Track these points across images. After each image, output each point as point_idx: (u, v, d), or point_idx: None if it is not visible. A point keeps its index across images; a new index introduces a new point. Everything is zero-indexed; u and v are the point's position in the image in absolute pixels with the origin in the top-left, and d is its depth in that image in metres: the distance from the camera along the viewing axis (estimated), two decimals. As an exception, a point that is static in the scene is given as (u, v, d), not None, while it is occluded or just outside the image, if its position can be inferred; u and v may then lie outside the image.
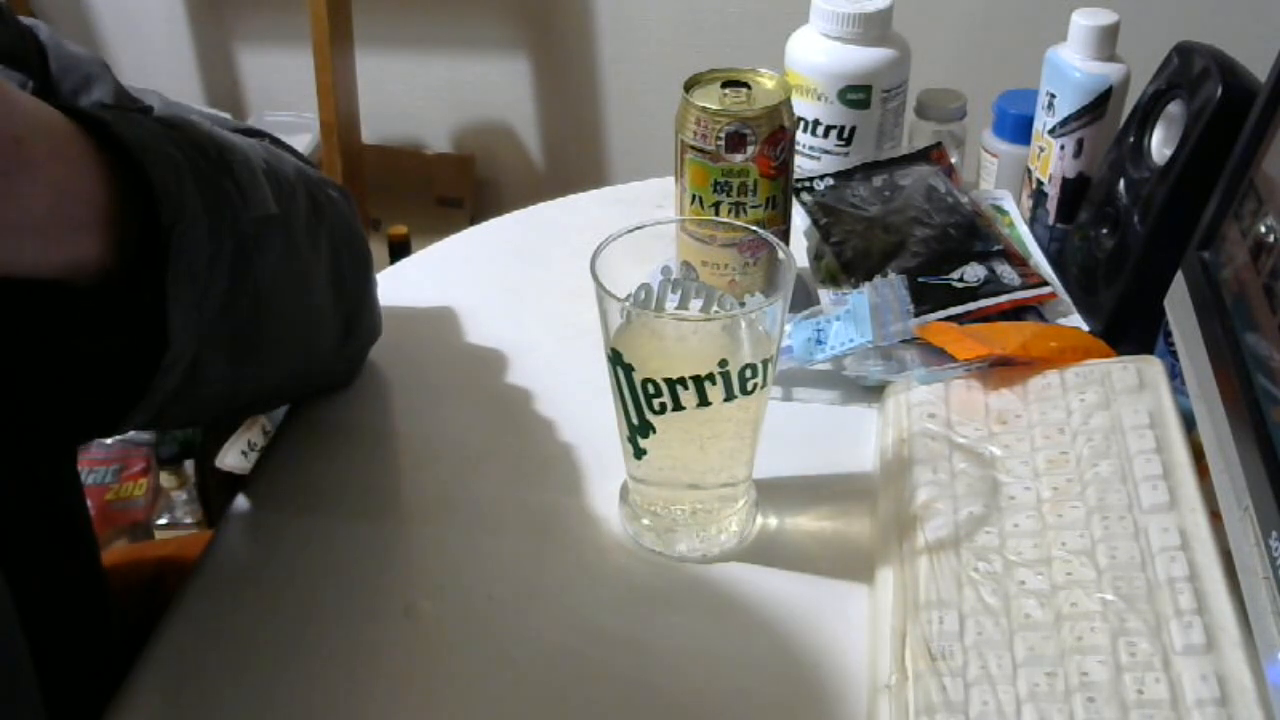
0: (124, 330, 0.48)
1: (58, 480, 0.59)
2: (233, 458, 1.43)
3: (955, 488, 0.60)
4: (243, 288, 0.52)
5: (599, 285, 0.54)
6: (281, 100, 2.02)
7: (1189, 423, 0.60)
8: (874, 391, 0.70)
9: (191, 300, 0.49)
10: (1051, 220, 0.81)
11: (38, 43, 0.57)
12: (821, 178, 0.81)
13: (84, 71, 0.58)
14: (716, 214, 0.70)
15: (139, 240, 0.47)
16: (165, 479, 1.50)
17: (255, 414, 0.70)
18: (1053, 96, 0.78)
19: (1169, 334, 0.66)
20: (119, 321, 0.48)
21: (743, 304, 0.58)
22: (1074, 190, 0.79)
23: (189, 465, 1.51)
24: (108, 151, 0.45)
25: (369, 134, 1.86)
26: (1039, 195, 0.81)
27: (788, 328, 0.69)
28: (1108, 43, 0.75)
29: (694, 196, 0.70)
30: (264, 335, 0.56)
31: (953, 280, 0.74)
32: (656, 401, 0.55)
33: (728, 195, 0.69)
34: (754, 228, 0.60)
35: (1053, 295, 0.75)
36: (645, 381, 0.54)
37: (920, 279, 0.73)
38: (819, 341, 0.70)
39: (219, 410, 0.62)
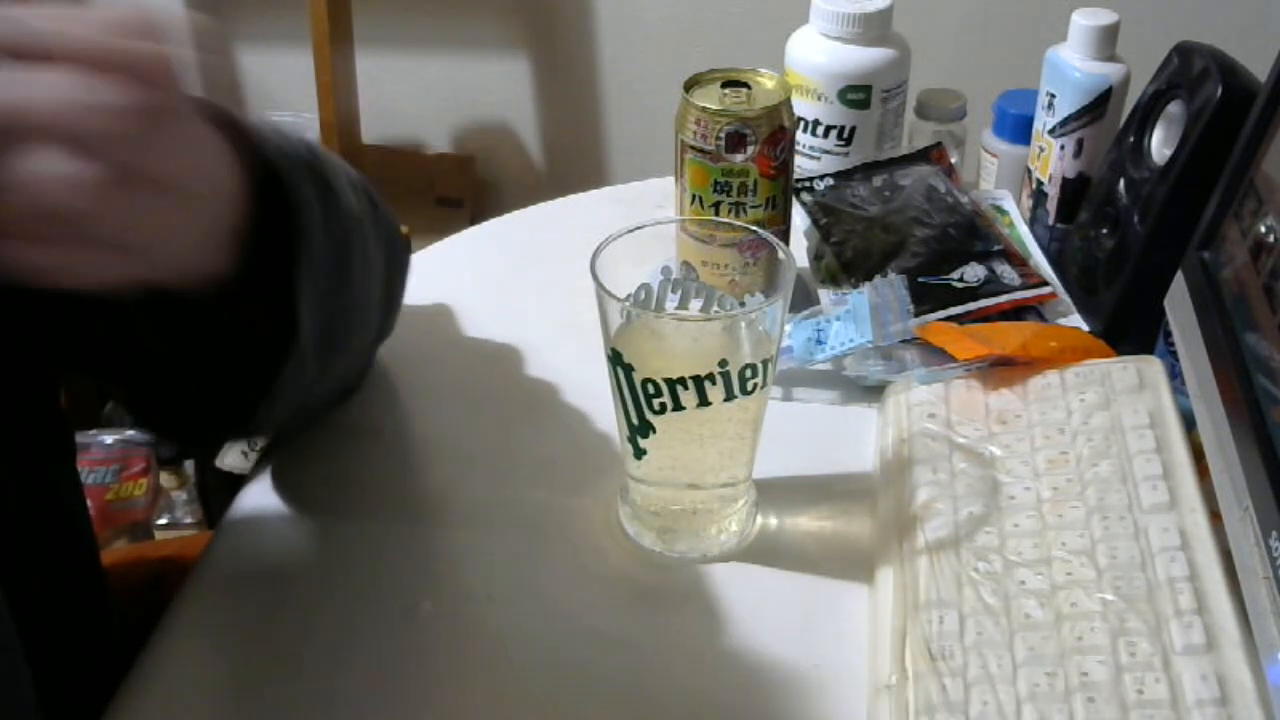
0: (254, 327, 0.50)
1: (58, 480, 0.59)
2: (233, 458, 1.43)
3: (955, 488, 0.60)
4: (340, 285, 0.54)
5: (599, 285, 0.54)
6: (281, 100, 2.01)
7: (1189, 423, 0.60)
8: (874, 391, 0.70)
9: (313, 294, 0.50)
10: (1051, 220, 0.81)
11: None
12: (821, 178, 0.81)
13: None
14: (716, 214, 0.70)
15: (263, 236, 0.48)
16: (165, 479, 1.50)
17: (298, 426, 0.70)
18: (1053, 96, 0.78)
19: (1169, 334, 0.66)
20: (247, 319, 0.50)
21: (743, 304, 0.58)
22: (1074, 190, 0.79)
23: (189, 465, 1.51)
24: (242, 155, 0.46)
25: (369, 134, 1.86)
26: (1039, 195, 0.81)
27: (788, 328, 0.69)
28: (1108, 43, 0.75)
29: (694, 196, 0.70)
30: (344, 331, 0.58)
31: (953, 280, 0.74)
32: (656, 401, 0.55)
33: (728, 195, 0.69)
34: (754, 228, 0.60)
35: (1053, 295, 0.75)
36: (645, 381, 0.54)
37: (920, 279, 0.73)
38: (819, 341, 0.70)
39: (296, 412, 0.63)
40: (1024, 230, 0.82)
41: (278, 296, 0.49)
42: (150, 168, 0.38)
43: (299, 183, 0.48)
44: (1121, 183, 0.73)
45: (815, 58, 0.83)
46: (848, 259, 0.76)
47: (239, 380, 0.53)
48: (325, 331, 0.54)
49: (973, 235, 0.77)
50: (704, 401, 0.54)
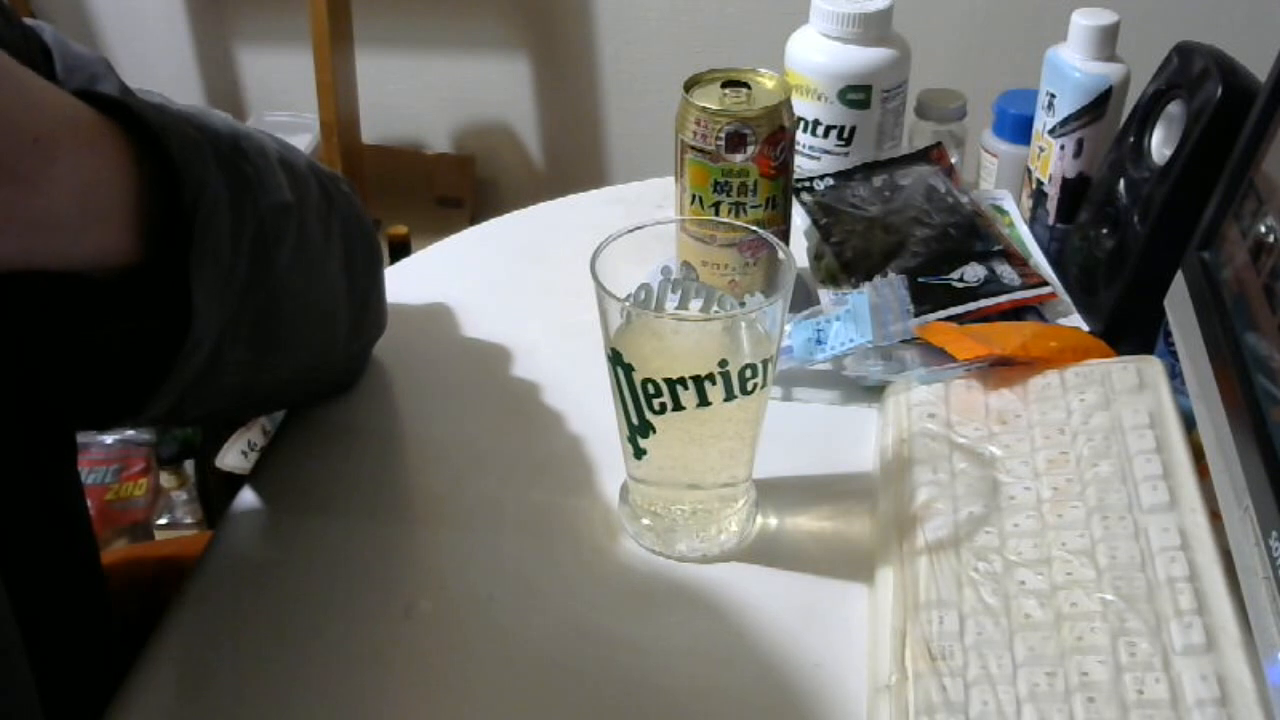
0: (148, 315, 0.49)
1: (58, 480, 0.59)
2: (233, 458, 1.43)
3: (955, 488, 0.60)
4: (262, 275, 0.53)
5: (599, 285, 0.54)
6: (281, 100, 2.02)
7: (1189, 423, 0.60)
8: (874, 391, 0.70)
9: (215, 281, 0.49)
10: (1051, 220, 0.81)
11: (43, 43, 0.57)
12: (821, 178, 0.81)
13: (90, 71, 0.58)
14: (716, 214, 0.70)
15: (162, 226, 0.47)
16: (165, 479, 1.50)
17: (266, 413, 0.69)
18: (1053, 96, 0.78)
19: (1169, 334, 0.66)
20: (143, 307, 0.48)
21: (743, 304, 0.58)
22: (1074, 190, 0.79)
23: (189, 465, 1.51)
24: (130, 135, 0.45)
25: (369, 134, 1.87)
26: (1039, 195, 0.81)
27: (788, 328, 0.69)
28: (1108, 43, 0.75)
29: (694, 196, 0.70)
30: (282, 324, 0.57)
31: (953, 280, 0.74)
32: (656, 401, 0.55)
33: (728, 195, 0.69)
34: (754, 228, 0.60)
35: (1053, 295, 0.75)
36: (645, 381, 0.54)
37: (920, 279, 0.73)
38: (819, 341, 0.70)
39: (235, 404, 0.62)
40: (1024, 230, 0.82)
41: (170, 282, 0.48)
42: None
43: (196, 168, 0.47)
44: (1121, 183, 0.73)
45: (815, 58, 0.83)
46: (848, 259, 0.76)
47: (130, 363, 0.51)
48: (250, 323, 0.53)
49: (973, 235, 0.77)
50: (704, 401, 0.54)
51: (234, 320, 0.52)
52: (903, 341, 0.69)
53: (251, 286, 0.52)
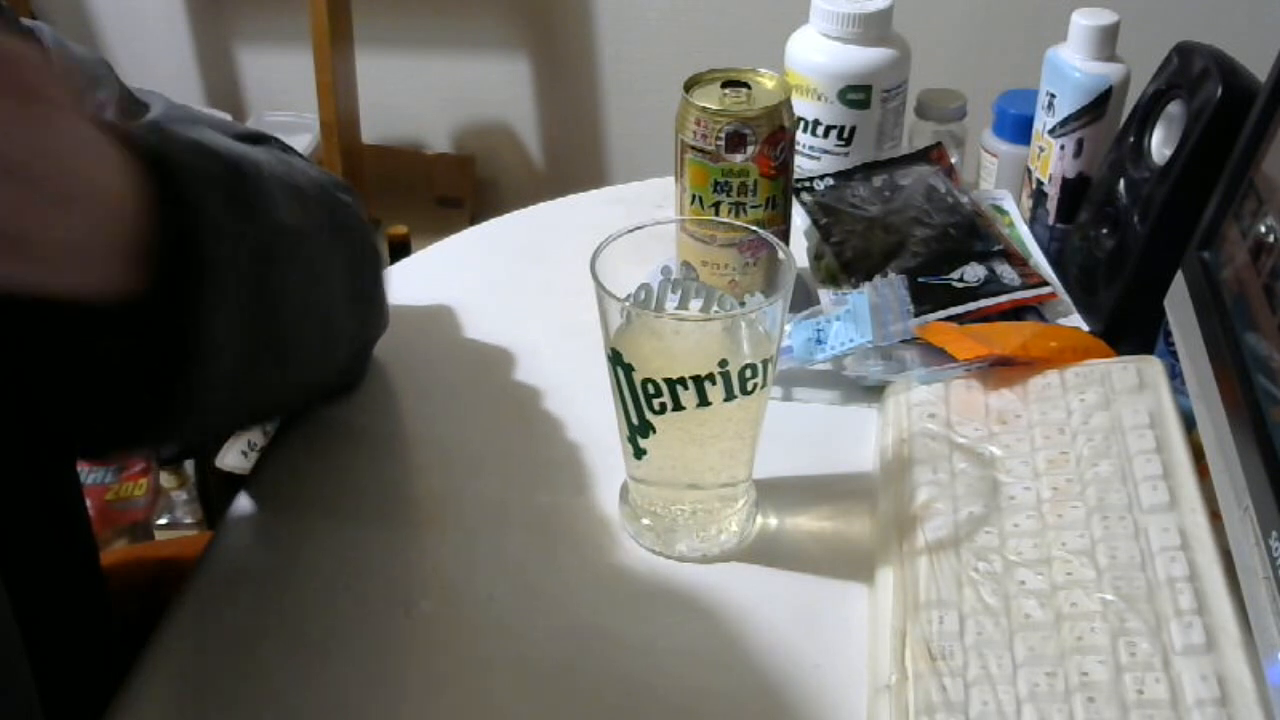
0: (153, 339, 0.48)
1: (58, 480, 0.59)
2: (233, 458, 1.43)
3: (955, 488, 0.60)
4: (262, 297, 0.52)
5: (599, 285, 0.54)
6: (281, 100, 2.02)
7: (1189, 423, 0.60)
8: (874, 391, 0.70)
9: (219, 307, 0.49)
10: (1051, 220, 0.81)
11: (42, 44, 0.57)
12: (821, 178, 0.81)
13: (89, 73, 0.58)
14: (716, 214, 0.70)
15: (161, 252, 0.46)
16: (165, 479, 1.50)
17: (271, 420, 0.69)
18: (1053, 96, 0.78)
19: (1169, 334, 0.66)
20: (144, 330, 0.48)
21: (743, 304, 0.58)
22: (1074, 190, 0.79)
23: (189, 465, 1.51)
24: (137, 162, 0.45)
25: (369, 134, 1.86)
26: (1039, 195, 0.81)
27: (788, 328, 0.69)
28: (1108, 43, 0.75)
29: (694, 196, 0.70)
30: (284, 344, 0.56)
31: (953, 280, 0.74)
32: (656, 401, 0.55)
33: (728, 195, 0.69)
34: (754, 228, 0.60)
35: (1053, 295, 0.75)
36: (645, 381, 0.54)
37: (920, 279, 0.73)
38: (819, 341, 0.70)
39: (238, 419, 0.62)
40: (1024, 230, 0.82)
41: (174, 312, 0.47)
42: (16, 155, 0.37)
43: (198, 195, 0.47)
44: (1121, 183, 0.73)
45: (815, 58, 0.83)
46: (848, 259, 0.76)
47: (137, 391, 0.50)
48: (257, 345, 0.53)
49: (973, 235, 0.77)
50: (704, 401, 0.54)
51: (234, 345, 0.51)
52: (903, 341, 0.69)
53: (252, 311, 0.52)
